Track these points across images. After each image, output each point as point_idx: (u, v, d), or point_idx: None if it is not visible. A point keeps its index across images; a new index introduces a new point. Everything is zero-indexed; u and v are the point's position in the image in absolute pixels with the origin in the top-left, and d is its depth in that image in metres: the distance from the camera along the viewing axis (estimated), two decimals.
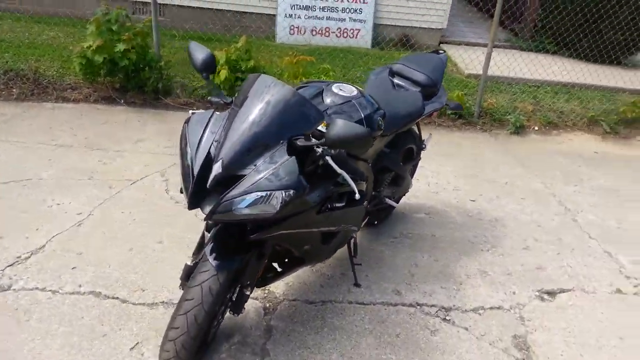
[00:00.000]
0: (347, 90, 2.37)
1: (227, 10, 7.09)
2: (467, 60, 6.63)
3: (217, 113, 1.99)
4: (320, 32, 7.22)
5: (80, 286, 2.58)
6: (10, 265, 2.68)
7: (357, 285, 2.76)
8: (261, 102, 1.89)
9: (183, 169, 1.89)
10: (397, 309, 2.64)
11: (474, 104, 5.57)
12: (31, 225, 3.02)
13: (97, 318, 2.39)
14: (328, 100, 2.31)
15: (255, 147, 1.82)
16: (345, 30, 7.24)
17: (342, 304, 2.65)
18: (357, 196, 2.00)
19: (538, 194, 4.08)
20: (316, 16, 7.15)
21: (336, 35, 7.26)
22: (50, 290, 2.53)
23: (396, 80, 2.98)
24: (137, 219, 3.19)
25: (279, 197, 1.75)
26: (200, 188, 1.81)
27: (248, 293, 2.10)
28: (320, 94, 2.35)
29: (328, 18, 7.18)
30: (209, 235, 2.05)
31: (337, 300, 2.67)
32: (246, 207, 1.76)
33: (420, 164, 3.47)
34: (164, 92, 5.23)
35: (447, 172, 4.30)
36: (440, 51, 3.25)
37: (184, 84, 5.46)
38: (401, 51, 7.16)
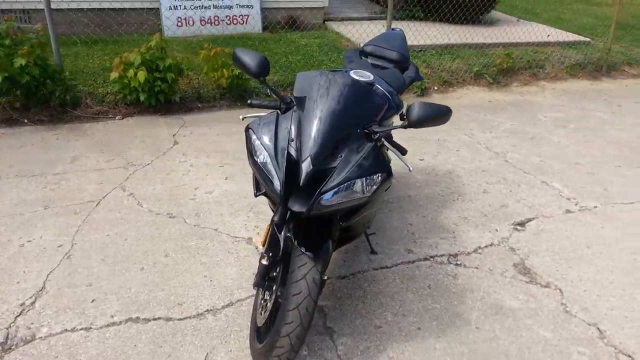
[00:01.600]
0: (365, 75, 2.52)
1: (109, 9, 6.58)
2: (356, 34, 7.02)
3: (280, 115, 2.02)
4: (209, 21, 7.06)
5: (112, 316, 2.42)
6: (20, 315, 2.40)
7: (374, 252, 2.96)
8: (330, 96, 1.97)
9: (263, 173, 1.91)
10: (417, 265, 2.91)
11: None
12: (14, 269, 2.69)
13: (152, 342, 2.28)
14: None
15: (337, 139, 1.90)
16: (235, 17, 7.17)
17: (370, 272, 2.84)
18: (411, 169, 2.18)
19: (467, 144, 4.62)
20: (202, 5, 6.97)
21: (226, 23, 7.16)
22: (82, 329, 2.34)
23: (370, 61, 3.18)
24: (128, 239, 3.01)
25: (371, 182, 1.88)
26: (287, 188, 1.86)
27: (325, 278, 2.18)
28: None
29: (215, 6, 7.03)
30: (281, 232, 2.07)
31: (364, 270, 2.85)
32: (343, 196, 1.86)
33: None
34: (72, 104, 4.79)
35: None
36: (395, 28, 3.51)
37: (91, 92, 5.04)
38: (292, 32, 7.33)
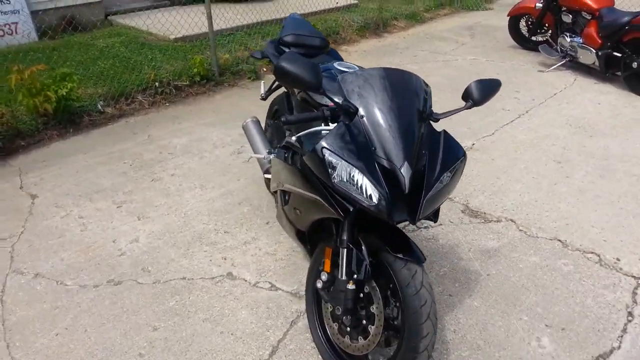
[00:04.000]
0: (350, 66, 2.40)
1: None
2: (158, 24, 6.40)
3: (344, 126, 1.80)
4: None
5: None
6: None
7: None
8: (392, 93, 1.83)
9: (355, 191, 1.71)
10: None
11: (210, 65, 5.62)
12: None
13: None
14: None
15: (416, 136, 1.81)
16: (1, 28, 5.74)
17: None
18: None
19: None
20: None
21: None
22: None
23: (296, 51, 2.98)
24: (87, 330, 2.34)
25: (458, 169, 1.86)
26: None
27: None
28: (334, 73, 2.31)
29: None
30: (361, 249, 1.91)
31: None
32: (442, 193, 1.80)
33: None
34: None
35: None
36: (294, 14, 3.34)
37: None
38: (76, 34, 6.25)
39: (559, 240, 2.97)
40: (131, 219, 3.19)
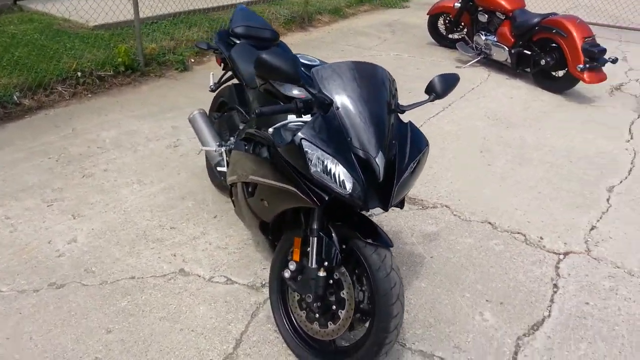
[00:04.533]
0: (311, 59, 2.43)
1: None
2: (75, 12, 6.02)
3: (320, 118, 1.84)
4: None
5: None
6: None
7: None
8: (363, 85, 1.91)
9: (331, 180, 1.77)
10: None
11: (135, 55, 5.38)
12: None
13: None
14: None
15: (387, 126, 1.89)
16: None
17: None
18: None
19: None
20: None
21: None
22: None
23: (248, 42, 2.97)
24: (32, 337, 2.20)
25: (424, 158, 1.98)
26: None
27: None
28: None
29: None
30: (331, 237, 1.98)
31: None
32: (410, 181, 1.92)
33: None
34: None
35: None
36: (241, 4, 3.30)
37: None
38: None
39: (489, 223, 3.23)
40: (65, 218, 3.02)
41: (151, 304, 2.44)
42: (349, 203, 1.83)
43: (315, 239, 1.98)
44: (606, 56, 5.19)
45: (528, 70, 5.82)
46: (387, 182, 1.85)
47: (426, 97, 2.20)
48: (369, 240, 1.92)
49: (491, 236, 3.10)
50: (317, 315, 2.08)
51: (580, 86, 5.45)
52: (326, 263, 1.97)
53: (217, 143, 2.96)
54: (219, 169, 2.90)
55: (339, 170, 1.78)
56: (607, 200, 3.53)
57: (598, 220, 3.28)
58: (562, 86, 5.58)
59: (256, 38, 3.03)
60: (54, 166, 3.56)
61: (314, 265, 1.98)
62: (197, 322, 2.35)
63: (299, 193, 1.90)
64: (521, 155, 4.12)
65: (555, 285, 2.71)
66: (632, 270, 2.84)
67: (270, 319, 2.36)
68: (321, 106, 1.91)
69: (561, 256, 2.94)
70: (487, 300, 2.59)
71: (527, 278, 2.76)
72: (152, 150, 3.87)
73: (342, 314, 2.02)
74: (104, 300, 2.44)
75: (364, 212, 2.03)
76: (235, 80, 3.11)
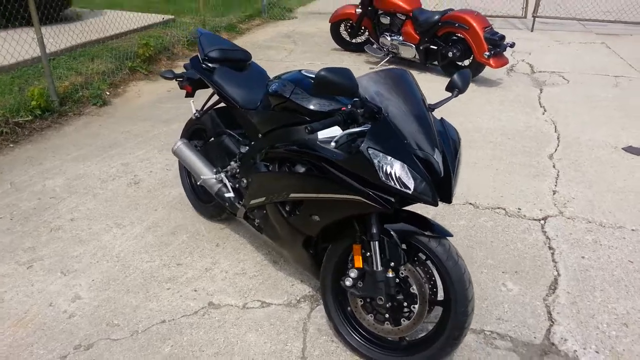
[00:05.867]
0: (314, 72, 2.44)
1: None
2: None
3: (375, 126, 1.89)
4: None
5: None
6: None
7: None
8: (402, 90, 1.98)
9: (401, 182, 1.82)
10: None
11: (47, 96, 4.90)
12: None
13: None
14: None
15: (432, 125, 1.98)
16: None
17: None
18: None
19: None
20: None
21: None
22: None
23: (225, 66, 2.87)
24: None
25: (461, 151, 2.11)
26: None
27: None
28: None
29: None
30: (392, 237, 2.03)
31: None
32: (458, 175, 2.04)
33: None
34: None
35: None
36: (200, 28, 3.17)
37: None
38: None
39: (470, 204, 3.48)
40: (54, 277, 2.70)
41: (197, 343, 2.29)
42: (418, 201, 1.91)
43: (377, 242, 2.02)
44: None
45: (436, 63, 6.32)
46: (443, 177, 1.96)
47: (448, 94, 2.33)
48: (429, 233, 2.01)
49: (478, 215, 3.34)
50: (387, 316, 2.12)
51: (485, 72, 6.04)
52: (392, 263, 2.03)
53: (214, 170, 2.85)
54: (227, 195, 2.78)
55: (407, 172, 1.85)
56: (554, 166, 3.98)
57: (555, 185, 3.70)
58: None
59: (231, 60, 2.95)
60: (11, 226, 3.14)
61: (379, 268, 2.02)
62: (253, 350, 2.26)
63: (366, 201, 1.93)
64: (466, 140, 4.46)
65: (550, 247, 3.01)
66: (602, 222, 3.25)
67: (322, 332, 2.35)
68: (370, 114, 1.96)
69: (542, 221, 3.27)
70: (503, 272, 2.80)
71: (525, 245, 3.03)
72: (114, 191, 3.58)
73: (415, 308, 2.08)
74: (144, 351, 2.24)
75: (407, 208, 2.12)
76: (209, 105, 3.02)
